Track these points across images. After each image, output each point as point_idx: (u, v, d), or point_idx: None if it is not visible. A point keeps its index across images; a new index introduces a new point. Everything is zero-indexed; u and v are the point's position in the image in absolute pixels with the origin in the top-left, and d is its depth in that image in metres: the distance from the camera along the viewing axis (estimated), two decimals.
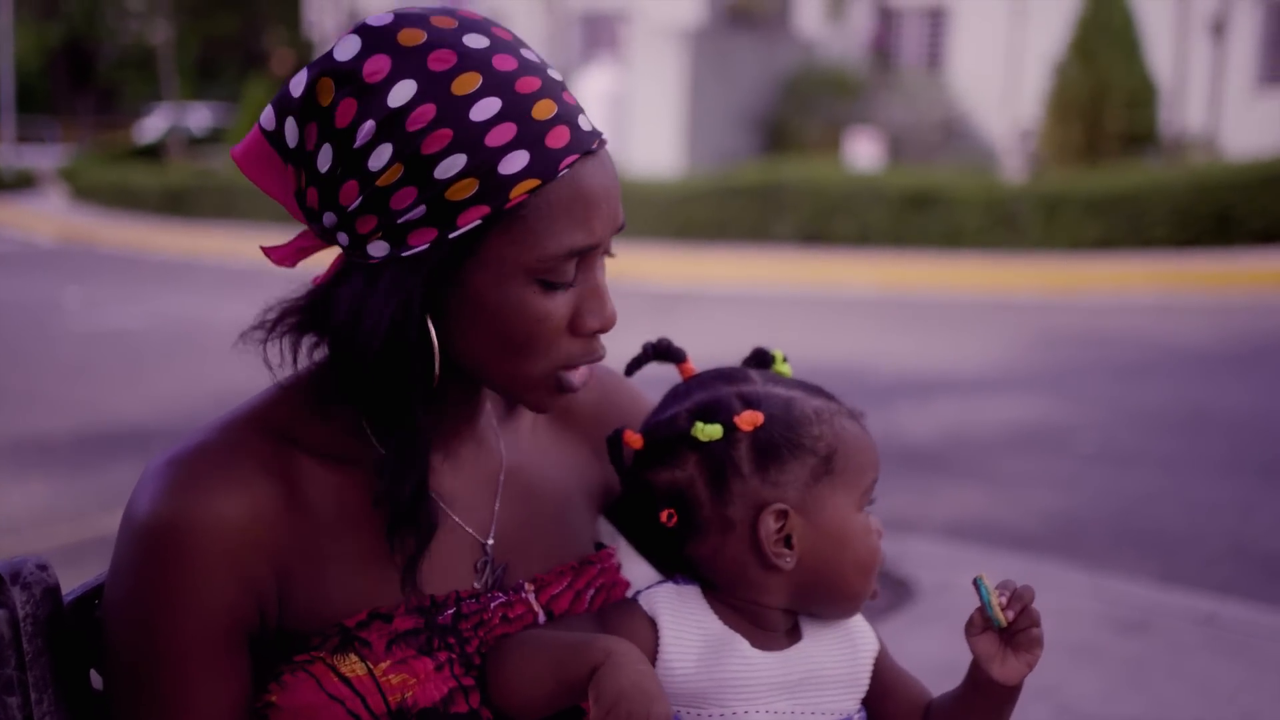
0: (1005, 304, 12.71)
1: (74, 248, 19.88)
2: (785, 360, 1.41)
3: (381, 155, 1.15)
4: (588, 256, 1.22)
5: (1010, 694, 1.29)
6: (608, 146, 1.25)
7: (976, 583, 1.25)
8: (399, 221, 1.16)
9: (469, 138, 1.14)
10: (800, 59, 23.91)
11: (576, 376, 1.26)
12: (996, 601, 1.25)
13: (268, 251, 1.27)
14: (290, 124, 1.19)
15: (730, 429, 1.31)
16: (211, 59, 47.40)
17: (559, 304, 1.21)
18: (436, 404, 1.26)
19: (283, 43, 43.07)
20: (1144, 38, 18.81)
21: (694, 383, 1.39)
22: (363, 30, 1.18)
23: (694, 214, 17.06)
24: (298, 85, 1.18)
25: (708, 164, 20.51)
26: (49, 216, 23.41)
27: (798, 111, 22.72)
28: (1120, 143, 18.31)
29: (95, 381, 9.36)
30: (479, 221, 1.15)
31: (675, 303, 12.74)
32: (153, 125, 34.31)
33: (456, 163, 1.14)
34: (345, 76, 1.16)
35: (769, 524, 1.30)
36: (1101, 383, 8.88)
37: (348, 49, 1.17)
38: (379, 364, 1.19)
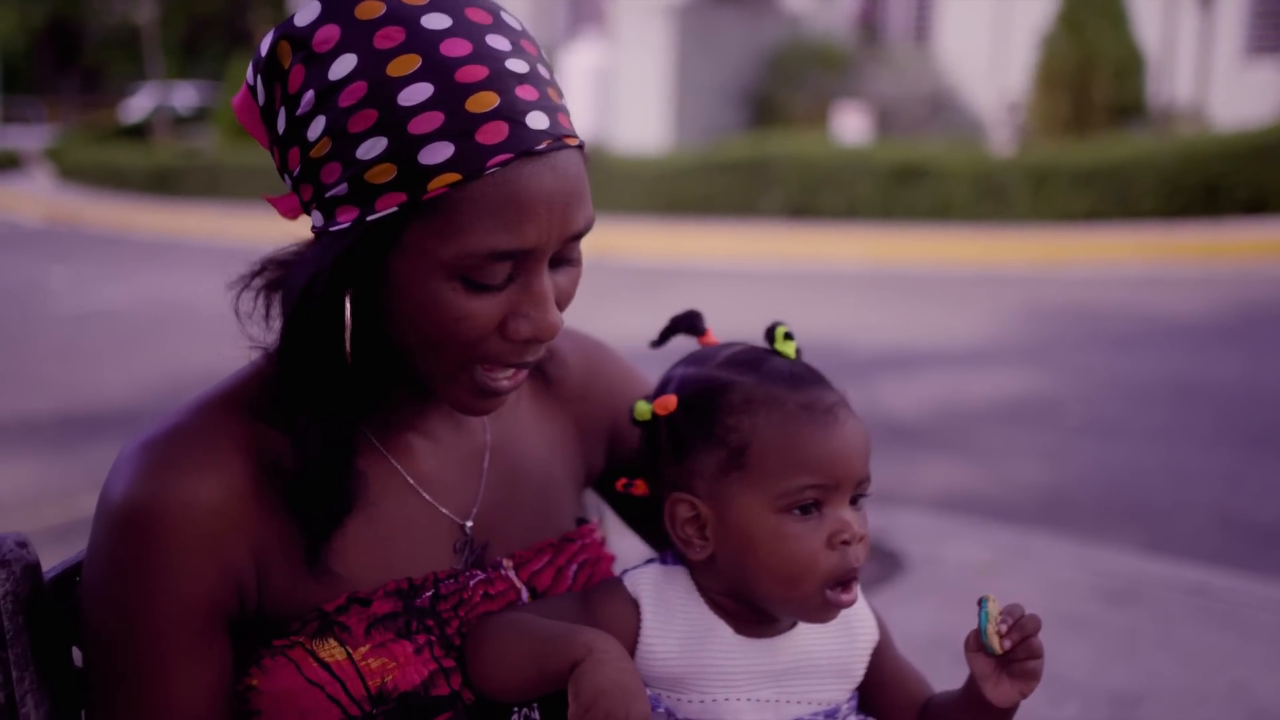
0: (993, 277, 12.70)
1: (60, 228, 19.80)
2: (788, 337, 1.33)
3: (316, 127, 1.14)
4: (526, 261, 1.16)
5: (1002, 715, 1.26)
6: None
7: (980, 603, 1.23)
8: (327, 195, 1.15)
9: (392, 121, 1.11)
10: (787, 33, 23.81)
11: (499, 380, 1.21)
12: (994, 629, 1.21)
13: (273, 201, 1.26)
14: (260, 82, 1.19)
15: (653, 412, 1.31)
16: (196, 38, 47.16)
17: (484, 305, 1.16)
18: (367, 385, 1.23)
19: (267, 21, 42.82)
20: (1131, 8, 18.77)
21: (680, 360, 1.37)
22: None
23: (681, 189, 17.01)
24: (264, 45, 1.18)
25: (695, 139, 20.44)
26: (35, 197, 23.29)
27: (785, 85, 22.64)
28: (1108, 114, 18.27)
29: (82, 362, 9.32)
30: (395, 209, 1.12)
31: (662, 278, 12.71)
32: (138, 105, 34.16)
33: (377, 145, 1.11)
34: (300, 42, 1.15)
35: (676, 511, 1.29)
36: (1089, 354, 8.88)
37: (307, 14, 1.16)
38: (289, 332, 1.19)
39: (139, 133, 29.22)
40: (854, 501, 1.27)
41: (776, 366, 1.29)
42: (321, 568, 1.22)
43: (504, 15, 1.20)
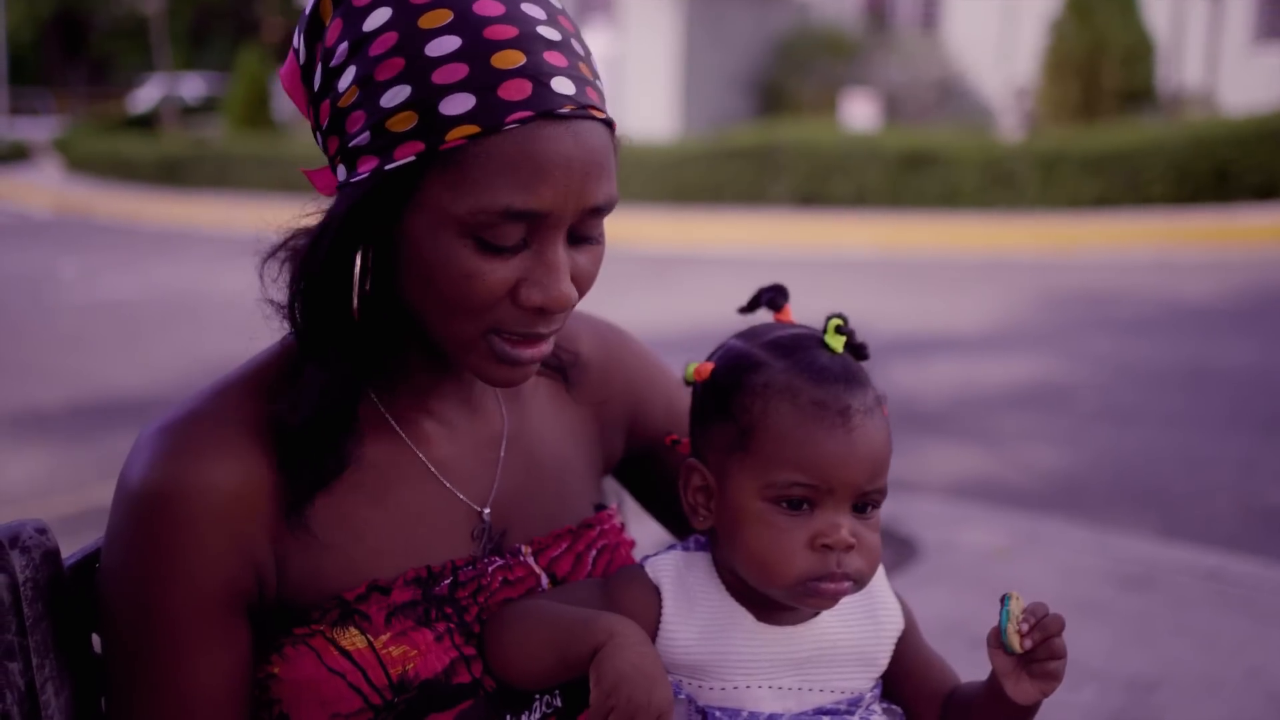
0: (1003, 263, 12.68)
1: (69, 219, 19.83)
2: (840, 331, 1.29)
3: (347, 76, 1.14)
4: (540, 226, 1.15)
5: (1024, 712, 1.24)
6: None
7: (1003, 600, 1.21)
8: (350, 145, 1.15)
9: (417, 70, 1.11)
10: (795, 20, 23.79)
11: (519, 350, 1.19)
12: (1015, 627, 1.19)
13: (312, 175, 1.25)
14: (303, 42, 1.20)
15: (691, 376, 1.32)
16: (203, 28, 47.19)
17: (496, 267, 1.14)
18: (377, 347, 1.22)
19: (274, 11, 42.84)
20: None
21: (741, 331, 1.36)
22: None
23: (689, 177, 17.00)
24: (309, 2, 1.19)
25: (703, 127, 20.44)
26: (44, 188, 23.33)
27: (793, 73, 22.63)
28: (1117, 100, 18.23)
29: (92, 352, 9.34)
30: (413, 158, 1.11)
31: (671, 266, 12.71)
32: (146, 95, 34.23)
33: (401, 93, 1.11)
34: None
35: (690, 478, 1.29)
36: (1101, 341, 8.87)
37: None
38: (299, 282, 1.18)
39: (147, 123, 29.28)
40: (863, 510, 1.24)
41: (814, 357, 1.26)
42: (302, 524, 1.20)
43: None
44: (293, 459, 1.19)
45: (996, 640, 1.21)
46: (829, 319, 1.29)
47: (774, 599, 1.25)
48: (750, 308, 1.38)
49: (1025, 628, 1.20)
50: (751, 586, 1.26)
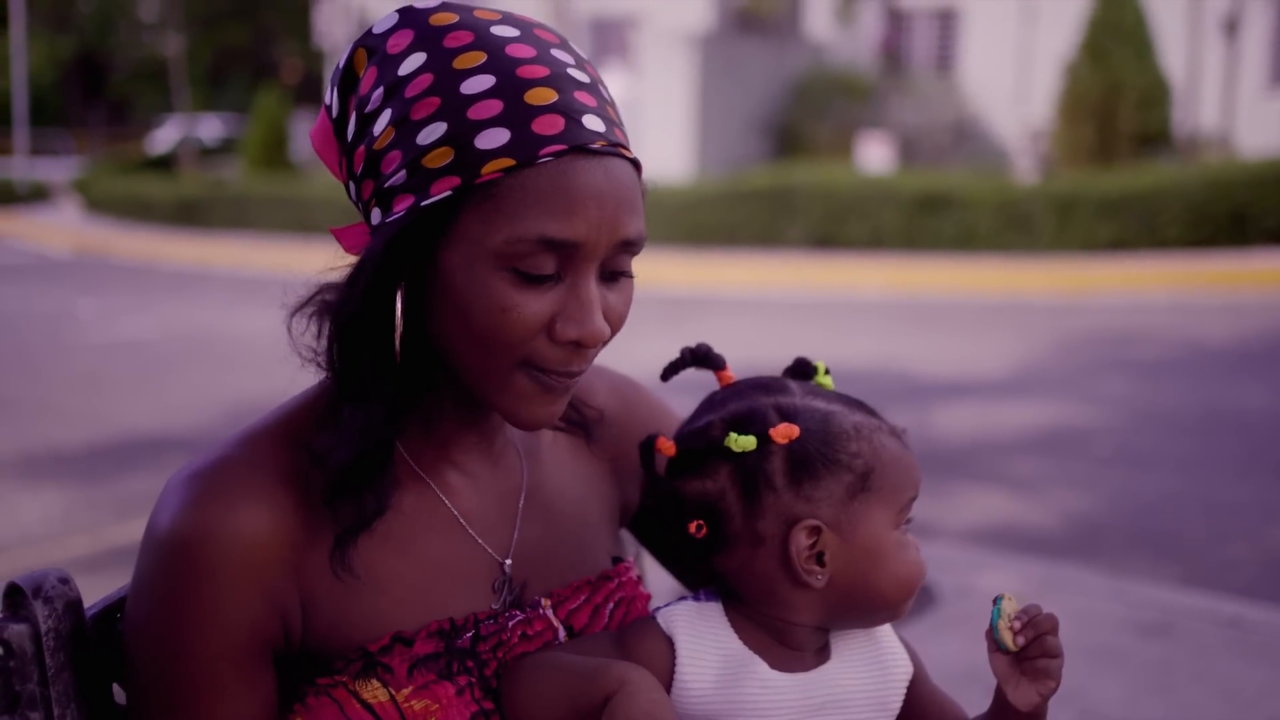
0: (1019, 306, 12.68)
1: (87, 259, 19.94)
2: (827, 372, 1.35)
3: (383, 120, 1.17)
4: (574, 258, 1.16)
5: (1027, 718, 1.25)
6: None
7: (995, 601, 1.24)
8: (386, 185, 1.17)
9: (453, 107, 1.14)
10: (810, 62, 23.91)
11: (555, 382, 1.21)
12: (1006, 625, 1.22)
13: (338, 233, 1.26)
14: (335, 96, 1.23)
15: (765, 441, 1.26)
16: (222, 70, 47.59)
17: (531, 300, 1.16)
18: (411, 390, 1.23)
19: (293, 53, 43.21)
20: (1156, 37, 18.78)
21: (730, 391, 1.34)
22: (405, 10, 1.21)
23: (705, 219, 17.05)
24: (341, 56, 1.22)
25: (718, 168, 20.51)
26: (62, 228, 23.48)
27: (808, 115, 22.73)
28: (1133, 143, 18.27)
29: (109, 392, 9.37)
30: (449, 192, 1.13)
31: (686, 308, 12.73)
32: (165, 136, 34.49)
33: (437, 130, 1.14)
34: (374, 48, 1.20)
35: (800, 540, 1.26)
36: (1117, 384, 8.85)
37: (385, 23, 1.21)
38: (338, 325, 1.19)
39: (165, 164, 29.46)
40: None
41: (841, 397, 1.33)
42: (347, 568, 1.20)
43: (570, 43, 1.24)
44: (334, 499, 1.19)
45: (991, 640, 1.24)
46: (813, 364, 1.36)
47: (882, 621, 1.31)
48: (674, 371, 1.39)
49: (1018, 625, 1.23)
50: (812, 632, 1.29)
